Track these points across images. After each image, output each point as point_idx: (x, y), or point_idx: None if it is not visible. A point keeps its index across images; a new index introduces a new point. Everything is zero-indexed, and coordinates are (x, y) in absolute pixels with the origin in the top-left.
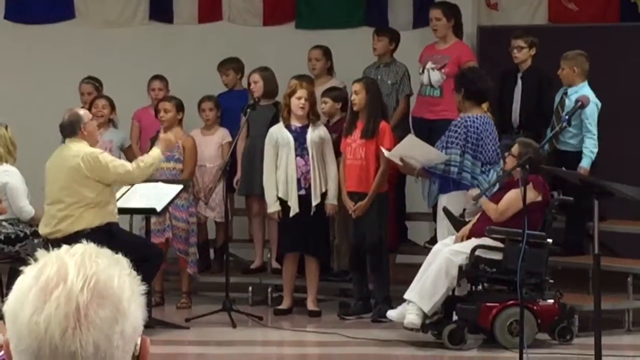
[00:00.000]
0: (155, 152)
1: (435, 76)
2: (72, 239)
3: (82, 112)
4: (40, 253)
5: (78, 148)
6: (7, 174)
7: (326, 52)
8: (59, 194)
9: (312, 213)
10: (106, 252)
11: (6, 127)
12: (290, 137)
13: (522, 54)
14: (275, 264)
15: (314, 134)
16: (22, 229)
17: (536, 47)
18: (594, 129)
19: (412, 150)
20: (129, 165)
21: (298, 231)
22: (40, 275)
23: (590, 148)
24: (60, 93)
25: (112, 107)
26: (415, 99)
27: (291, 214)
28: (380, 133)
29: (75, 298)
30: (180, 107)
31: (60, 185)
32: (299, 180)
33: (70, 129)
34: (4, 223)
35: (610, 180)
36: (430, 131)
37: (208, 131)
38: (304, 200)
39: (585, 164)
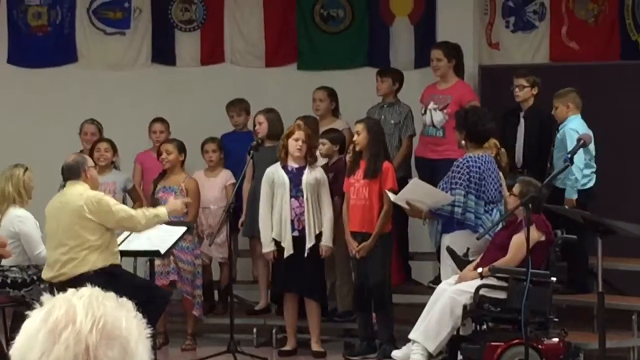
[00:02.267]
0: (162, 210)
1: (438, 116)
2: (76, 282)
3: (87, 157)
4: (46, 297)
5: (80, 191)
6: (20, 219)
7: (331, 93)
8: (62, 237)
9: (305, 255)
10: (111, 295)
11: (25, 170)
12: (285, 178)
13: (524, 92)
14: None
15: (310, 176)
16: (30, 274)
17: (538, 87)
18: (576, 159)
19: (418, 193)
20: (133, 211)
21: (291, 272)
22: (49, 317)
23: (572, 177)
24: (62, 136)
25: (114, 150)
26: (418, 139)
27: (285, 255)
28: (383, 173)
29: (85, 339)
30: (182, 148)
31: (63, 228)
32: (292, 222)
33: (74, 170)
34: (13, 268)
35: (612, 216)
36: (434, 171)
37: (211, 173)
38: (298, 241)
39: (567, 194)
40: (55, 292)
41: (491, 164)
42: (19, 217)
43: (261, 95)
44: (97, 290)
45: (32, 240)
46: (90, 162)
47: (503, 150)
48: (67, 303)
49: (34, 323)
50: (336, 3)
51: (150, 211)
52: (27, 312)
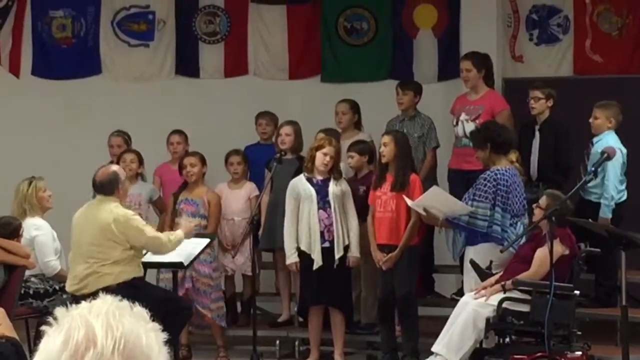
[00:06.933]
0: (180, 233)
1: (470, 127)
2: (99, 295)
3: (119, 170)
4: (59, 312)
5: (111, 208)
6: (36, 227)
7: (353, 106)
8: (86, 250)
9: (335, 266)
10: (126, 306)
11: (30, 183)
12: (312, 190)
13: (539, 105)
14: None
15: (336, 188)
16: (51, 284)
17: (554, 99)
18: (612, 177)
19: (437, 201)
20: (160, 234)
21: (321, 284)
22: (68, 340)
23: (608, 196)
24: (86, 147)
25: (140, 161)
26: (452, 151)
27: (314, 267)
28: (410, 185)
29: None
30: (204, 161)
31: (88, 241)
32: (322, 233)
33: (109, 187)
34: (32, 279)
35: (638, 230)
36: (469, 182)
37: (235, 185)
38: (328, 253)
39: (603, 213)
40: (73, 305)
41: (517, 177)
42: (35, 225)
43: (284, 108)
44: (112, 303)
45: (45, 248)
46: (122, 175)
47: (518, 165)
48: (85, 323)
49: (55, 346)
50: (360, 16)
51: (173, 235)
52: (42, 328)
